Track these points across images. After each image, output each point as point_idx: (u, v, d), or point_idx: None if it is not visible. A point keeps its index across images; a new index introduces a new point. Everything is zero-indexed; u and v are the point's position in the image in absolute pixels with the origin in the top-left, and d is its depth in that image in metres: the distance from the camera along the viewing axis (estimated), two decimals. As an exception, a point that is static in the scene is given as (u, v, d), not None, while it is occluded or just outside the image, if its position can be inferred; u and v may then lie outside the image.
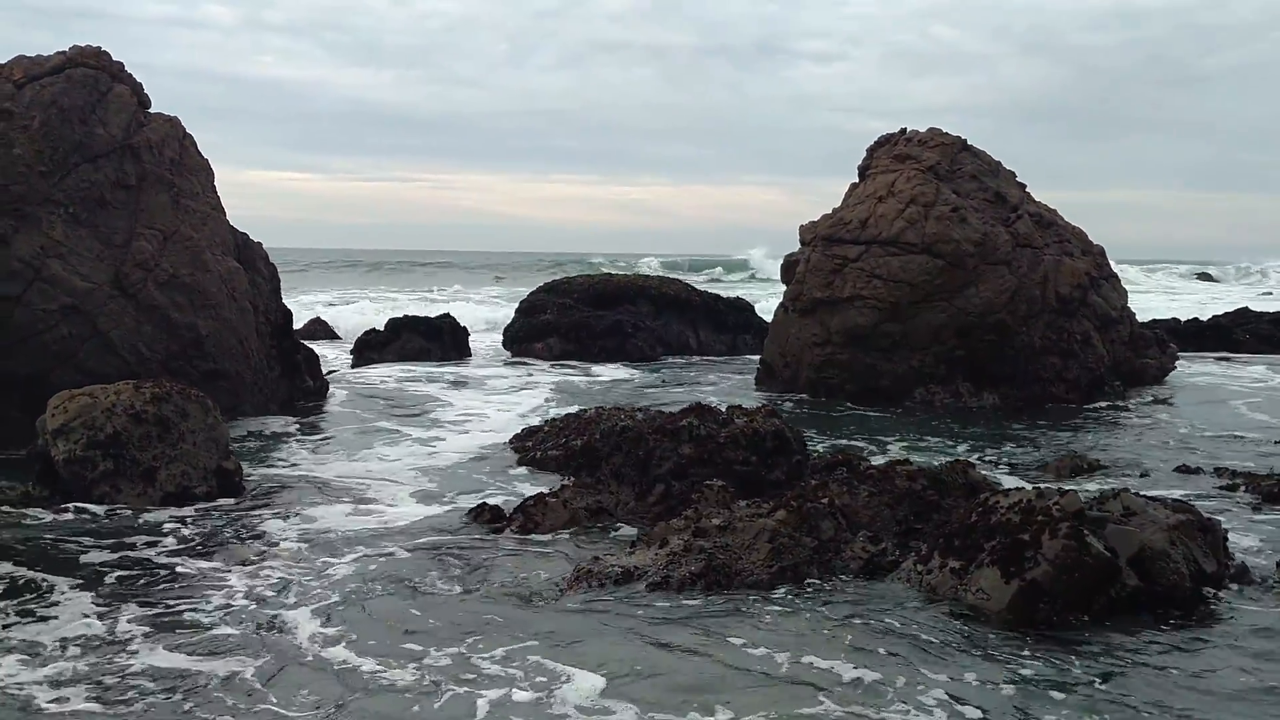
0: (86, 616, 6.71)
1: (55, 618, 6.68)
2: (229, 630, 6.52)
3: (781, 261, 20.57)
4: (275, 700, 5.54)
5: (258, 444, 12.97)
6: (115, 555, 8.08)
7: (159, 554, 8.16)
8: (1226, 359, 24.00)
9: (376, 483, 10.79)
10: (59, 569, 7.67)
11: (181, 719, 5.33)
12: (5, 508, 9.28)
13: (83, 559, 7.94)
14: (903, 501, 8.54)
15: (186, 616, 6.74)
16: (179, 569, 7.80)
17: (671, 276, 29.99)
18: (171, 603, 7.02)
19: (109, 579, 7.49)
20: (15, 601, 6.97)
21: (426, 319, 24.73)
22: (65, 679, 5.76)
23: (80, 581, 7.41)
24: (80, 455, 9.72)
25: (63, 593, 7.16)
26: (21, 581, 7.36)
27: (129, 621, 6.64)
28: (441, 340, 23.67)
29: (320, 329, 28.18)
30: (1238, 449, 13.17)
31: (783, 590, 7.15)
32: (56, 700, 5.52)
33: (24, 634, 6.38)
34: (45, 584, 7.32)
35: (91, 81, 14.16)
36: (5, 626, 6.51)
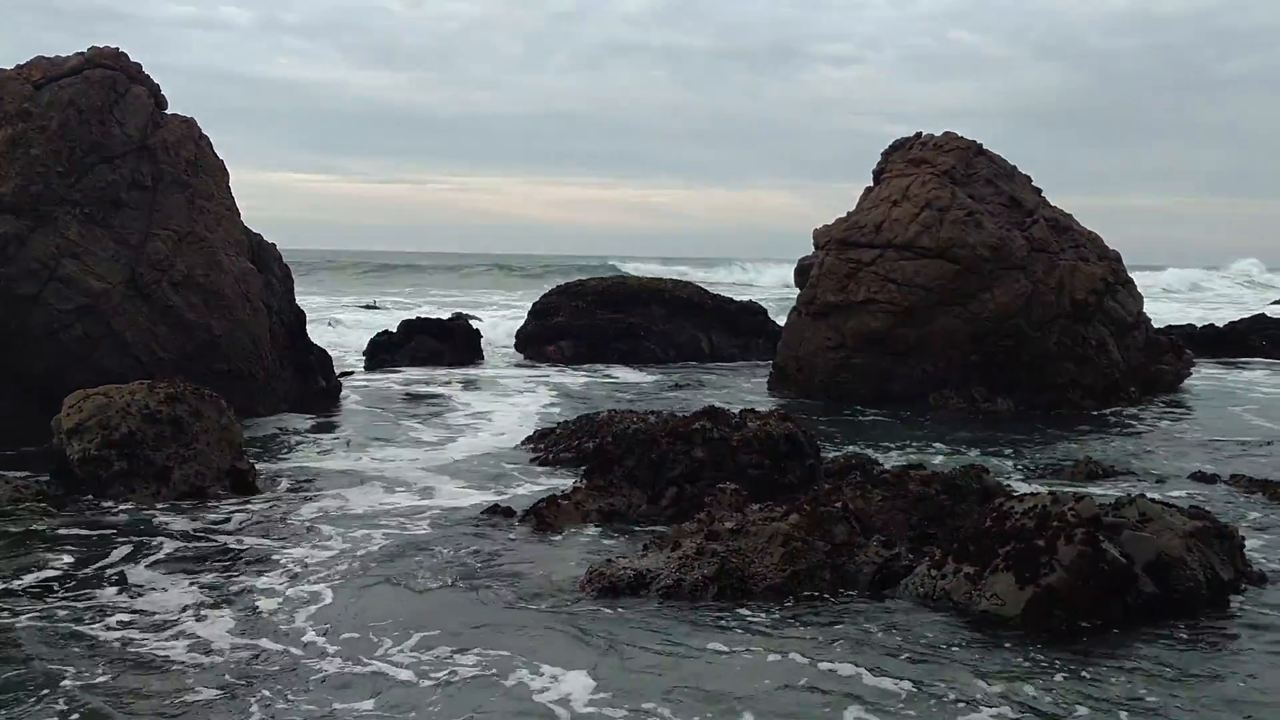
0: (134, 597, 6.79)
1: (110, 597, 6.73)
2: (246, 621, 6.55)
3: (795, 265, 20.56)
4: (281, 690, 5.55)
5: (271, 444, 13.00)
6: (139, 552, 8.12)
7: (174, 553, 8.19)
8: (1243, 365, 23.86)
9: (389, 483, 10.80)
10: (105, 561, 7.73)
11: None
12: (25, 505, 9.34)
13: (114, 553, 8.01)
14: (917, 506, 8.48)
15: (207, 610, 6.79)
16: (193, 567, 7.82)
17: (684, 280, 29.89)
18: (194, 600, 7.05)
19: (145, 572, 7.54)
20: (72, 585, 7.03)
21: (439, 321, 24.77)
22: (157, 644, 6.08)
23: (120, 572, 7.47)
24: (95, 454, 9.76)
25: (105, 581, 7.22)
26: (79, 570, 7.43)
27: (178, 606, 6.81)
28: (454, 342, 23.69)
29: (333, 330, 28.23)
30: (1254, 456, 13.09)
31: (796, 594, 7.13)
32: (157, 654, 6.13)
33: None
34: (101, 572, 7.38)
35: (109, 82, 14.24)
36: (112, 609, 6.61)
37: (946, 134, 19.40)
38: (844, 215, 19.20)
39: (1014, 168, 19.58)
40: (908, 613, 6.87)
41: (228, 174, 15.83)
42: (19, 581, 7.41)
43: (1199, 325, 28.05)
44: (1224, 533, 7.46)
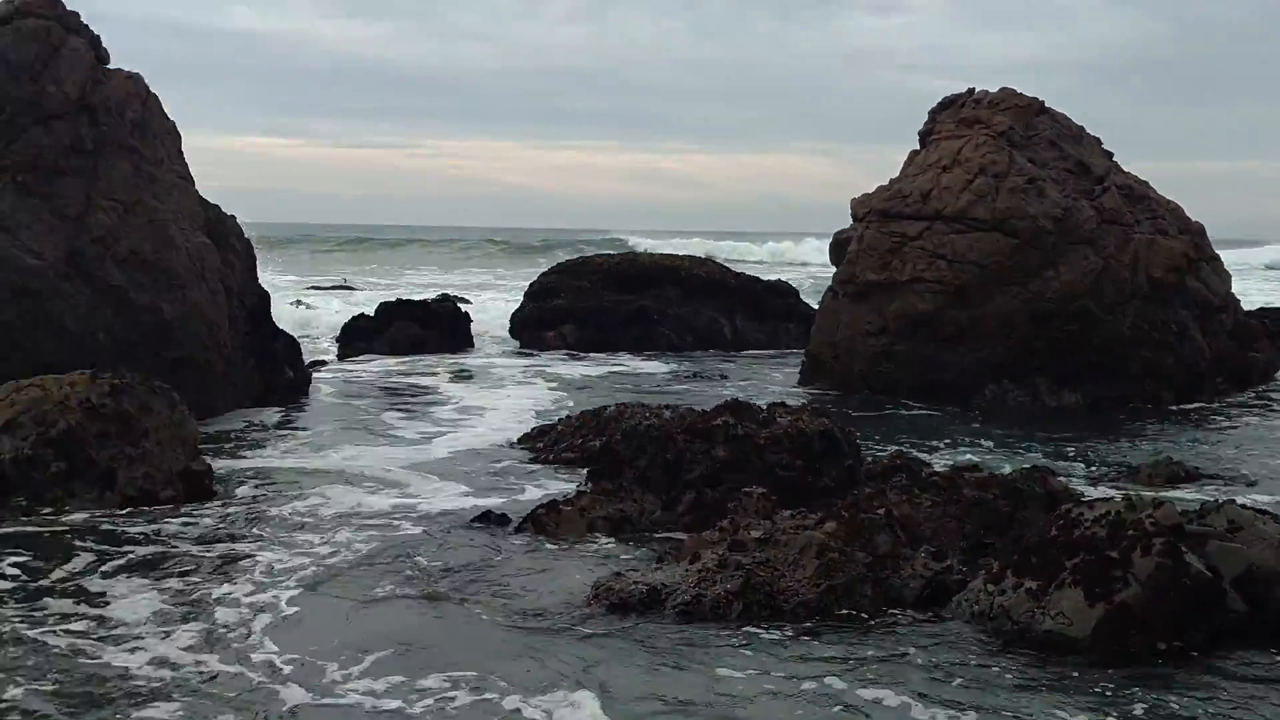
0: (83, 608, 6.81)
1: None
2: (201, 640, 6.56)
3: (830, 240, 20.54)
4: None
5: (230, 442, 13.04)
6: (80, 563, 8.14)
7: (120, 564, 8.21)
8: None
9: (364, 486, 10.82)
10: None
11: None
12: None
13: (53, 564, 8.04)
14: (971, 513, 8.49)
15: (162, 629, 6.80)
16: (141, 580, 7.83)
17: (703, 257, 29.91)
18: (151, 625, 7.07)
19: (94, 582, 7.57)
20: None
21: (423, 303, 24.83)
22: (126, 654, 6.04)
23: (61, 583, 7.50)
24: (29, 454, 9.79)
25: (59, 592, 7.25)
26: (18, 582, 7.47)
27: (131, 620, 6.78)
28: (439, 327, 23.76)
29: (302, 314, 28.30)
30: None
31: (832, 612, 7.12)
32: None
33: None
34: (41, 583, 7.43)
35: (43, 34, 14.26)
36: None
37: (1003, 90, 19.33)
38: (886, 183, 19.17)
39: (1081, 128, 19.51)
40: (960, 633, 6.87)
41: (180, 137, 15.88)
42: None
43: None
44: (1326, 543, 7.42)
